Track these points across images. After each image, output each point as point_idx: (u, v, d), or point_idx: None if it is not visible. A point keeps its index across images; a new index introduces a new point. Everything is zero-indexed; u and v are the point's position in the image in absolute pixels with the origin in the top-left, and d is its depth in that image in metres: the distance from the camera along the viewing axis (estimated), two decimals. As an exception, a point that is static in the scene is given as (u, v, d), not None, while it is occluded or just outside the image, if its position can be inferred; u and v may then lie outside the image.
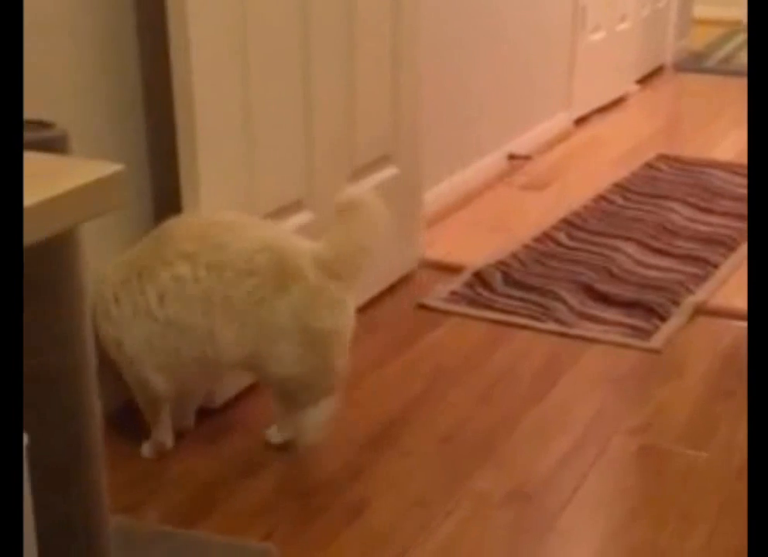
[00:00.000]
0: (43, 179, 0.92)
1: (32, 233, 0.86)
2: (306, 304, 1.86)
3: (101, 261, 1.99)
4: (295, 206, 2.30)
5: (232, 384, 2.17)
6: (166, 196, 2.07)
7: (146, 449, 2.00)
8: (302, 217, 2.32)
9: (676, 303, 2.64)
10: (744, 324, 2.56)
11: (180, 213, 1.99)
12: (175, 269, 1.85)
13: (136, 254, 1.92)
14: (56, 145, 1.34)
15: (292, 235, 2.03)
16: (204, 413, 2.12)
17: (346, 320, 1.92)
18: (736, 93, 4.96)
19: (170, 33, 1.91)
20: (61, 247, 1.36)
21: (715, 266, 2.88)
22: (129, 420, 2.04)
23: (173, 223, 1.92)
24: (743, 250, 3.00)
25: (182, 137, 1.97)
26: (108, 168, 0.94)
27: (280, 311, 1.85)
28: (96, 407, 1.46)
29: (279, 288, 1.85)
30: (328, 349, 1.91)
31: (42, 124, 1.37)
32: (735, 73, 5.36)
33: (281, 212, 2.25)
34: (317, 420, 1.94)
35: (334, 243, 1.91)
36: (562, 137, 4.19)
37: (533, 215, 3.29)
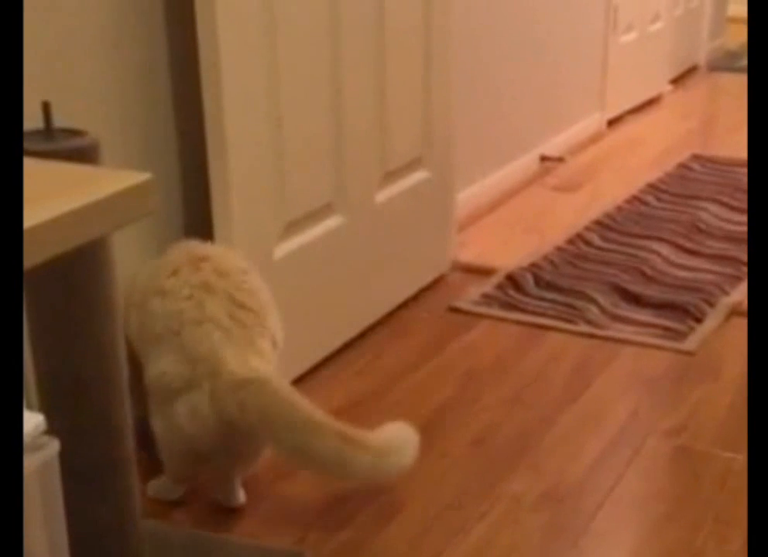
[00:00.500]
0: (72, 189, 0.93)
1: (58, 244, 0.86)
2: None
3: (132, 271, 2.01)
4: (326, 210, 2.31)
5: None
6: (196, 205, 2.08)
7: (152, 488, 1.86)
8: (333, 221, 2.33)
9: (710, 304, 2.62)
10: (780, 325, 2.54)
11: (211, 220, 2.00)
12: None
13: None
14: (87, 154, 1.36)
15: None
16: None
17: None
18: (771, 92, 4.91)
19: (200, 41, 1.92)
20: (93, 257, 1.38)
21: (751, 266, 2.85)
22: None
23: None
24: (779, 250, 2.96)
25: (211, 140, 1.98)
26: (137, 176, 0.95)
27: None
28: (128, 413, 1.48)
29: None
30: None
31: (74, 133, 1.39)
32: (770, 72, 5.31)
33: (311, 216, 2.26)
34: None
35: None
36: (595, 138, 4.17)
37: (565, 217, 3.28)
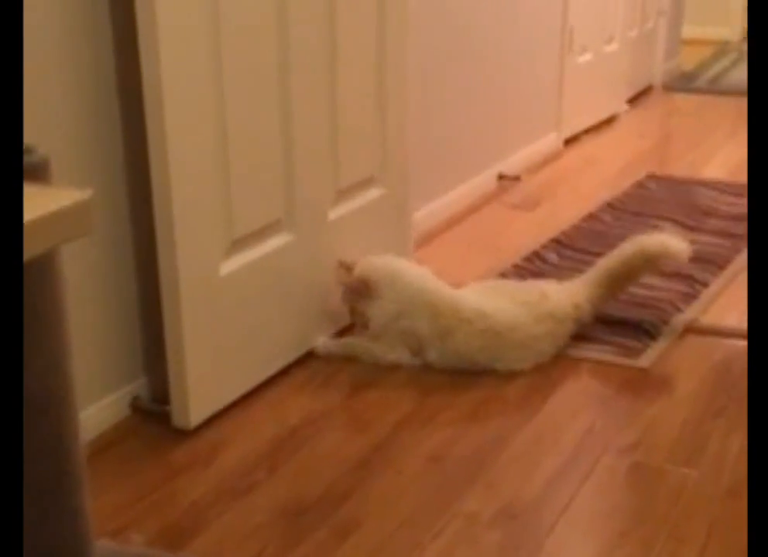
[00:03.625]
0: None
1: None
2: None
3: (81, 287, 1.99)
4: (275, 227, 2.30)
5: (207, 406, 2.16)
6: (144, 220, 2.07)
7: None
8: (282, 238, 2.32)
9: (665, 322, 2.64)
10: (733, 342, 2.56)
11: (155, 233, 2.00)
12: None
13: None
14: (36, 171, 1.34)
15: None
16: (181, 434, 2.11)
17: None
18: (725, 113, 4.99)
19: (143, 61, 1.91)
20: (41, 273, 1.36)
21: (704, 284, 2.88)
22: (114, 445, 2.04)
23: None
24: (732, 268, 3.00)
25: (154, 155, 1.96)
26: (78, 194, 0.94)
27: None
28: (79, 433, 1.46)
29: None
30: None
31: (24, 149, 1.37)
32: (724, 93, 5.40)
33: (259, 233, 2.25)
34: None
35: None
36: (552, 157, 4.20)
37: (522, 235, 3.29)
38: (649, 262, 2.58)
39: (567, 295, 2.50)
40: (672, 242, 2.56)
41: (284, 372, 2.39)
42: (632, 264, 2.56)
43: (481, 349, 2.37)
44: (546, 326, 2.41)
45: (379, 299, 2.39)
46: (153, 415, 2.17)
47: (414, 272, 2.48)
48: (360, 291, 2.41)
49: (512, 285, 2.64)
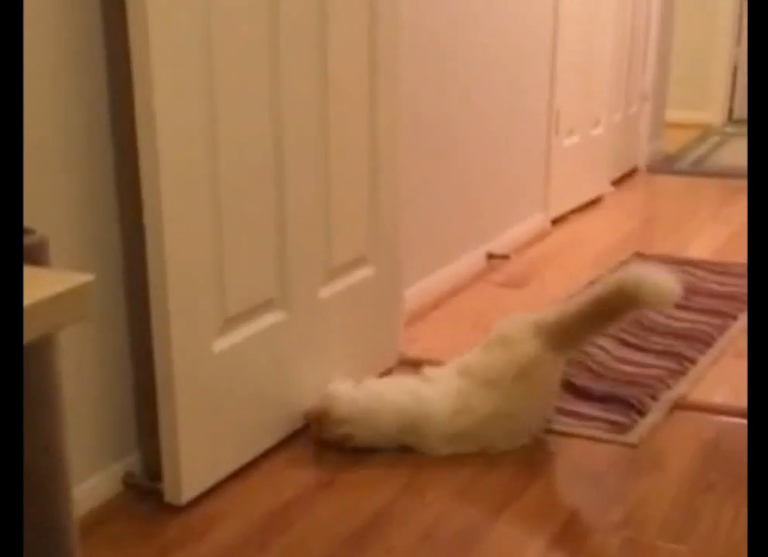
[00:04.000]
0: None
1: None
2: None
3: (75, 363, 2.01)
4: (267, 305, 2.33)
5: (200, 482, 2.16)
6: (137, 295, 2.10)
7: None
8: (274, 316, 2.35)
9: (654, 398, 2.66)
10: (722, 419, 2.58)
11: (149, 309, 2.03)
12: None
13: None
14: (34, 252, 1.37)
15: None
16: (174, 510, 2.11)
17: None
18: (708, 194, 5.09)
19: (139, 144, 1.96)
20: (38, 354, 1.37)
21: (692, 361, 2.92)
22: (106, 521, 2.03)
23: None
24: (719, 345, 3.04)
25: (150, 235, 2.00)
26: (78, 278, 0.95)
27: None
28: (72, 511, 1.46)
29: None
30: None
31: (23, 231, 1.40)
32: (707, 175, 5.51)
33: (252, 311, 2.28)
34: None
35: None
36: (539, 237, 4.27)
37: (511, 312, 3.32)
38: (630, 300, 2.28)
39: (529, 335, 2.38)
40: (655, 279, 2.26)
41: (277, 447, 2.39)
42: (610, 302, 2.33)
43: (460, 446, 2.39)
44: (521, 387, 2.34)
45: (345, 423, 2.37)
46: (146, 492, 2.17)
47: (373, 394, 2.42)
48: (321, 421, 2.40)
49: (481, 364, 2.43)
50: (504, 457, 2.37)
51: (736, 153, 6.07)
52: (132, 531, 2.06)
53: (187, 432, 2.11)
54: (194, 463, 2.14)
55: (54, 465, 1.43)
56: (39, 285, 0.94)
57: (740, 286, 3.58)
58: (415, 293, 3.29)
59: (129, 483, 2.18)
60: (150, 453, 2.17)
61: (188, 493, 2.13)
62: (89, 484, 2.09)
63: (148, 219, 1.99)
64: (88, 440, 2.10)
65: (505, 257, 3.91)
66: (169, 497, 2.13)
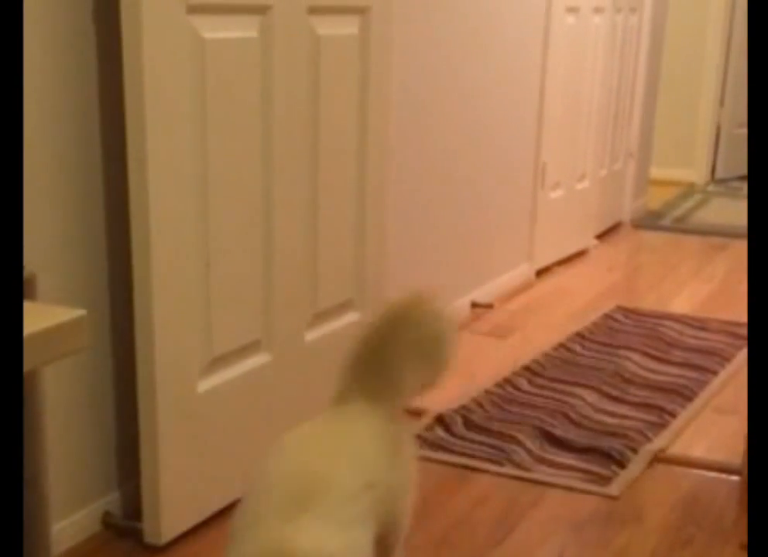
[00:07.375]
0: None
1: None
2: None
3: (57, 401, 2.01)
4: (253, 347, 2.34)
5: (180, 522, 2.16)
6: (123, 335, 2.11)
7: None
8: (260, 358, 2.36)
9: (634, 450, 2.68)
10: (701, 472, 2.60)
11: (134, 348, 2.04)
12: None
13: None
14: (24, 287, 1.39)
15: None
16: (153, 550, 2.10)
17: None
18: (690, 251, 5.15)
19: (130, 182, 1.99)
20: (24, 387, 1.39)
21: (672, 415, 2.94)
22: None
23: None
24: (700, 399, 3.06)
25: (137, 274, 2.02)
26: (71, 313, 0.95)
27: None
28: (50, 548, 1.46)
29: None
30: None
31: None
32: (690, 232, 5.58)
33: (238, 352, 2.29)
34: None
35: None
36: (524, 287, 4.30)
37: (495, 362, 3.35)
38: (400, 329, 1.81)
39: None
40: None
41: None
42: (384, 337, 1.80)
43: None
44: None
45: None
46: (125, 531, 2.16)
47: None
48: None
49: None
50: (483, 505, 2.37)
51: (718, 212, 6.15)
52: (110, 570, 2.05)
53: (169, 472, 2.11)
54: (175, 503, 2.13)
55: (35, 501, 1.44)
56: (36, 318, 0.95)
57: (719, 342, 3.61)
58: (399, 340, 3.30)
59: (108, 523, 2.17)
60: (130, 493, 2.16)
61: (168, 533, 2.13)
62: (68, 522, 2.08)
63: (136, 257, 2.01)
64: (68, 478, 2.09)
65: (489, 306, 3.94)
66: (148, 537, 2.12)
